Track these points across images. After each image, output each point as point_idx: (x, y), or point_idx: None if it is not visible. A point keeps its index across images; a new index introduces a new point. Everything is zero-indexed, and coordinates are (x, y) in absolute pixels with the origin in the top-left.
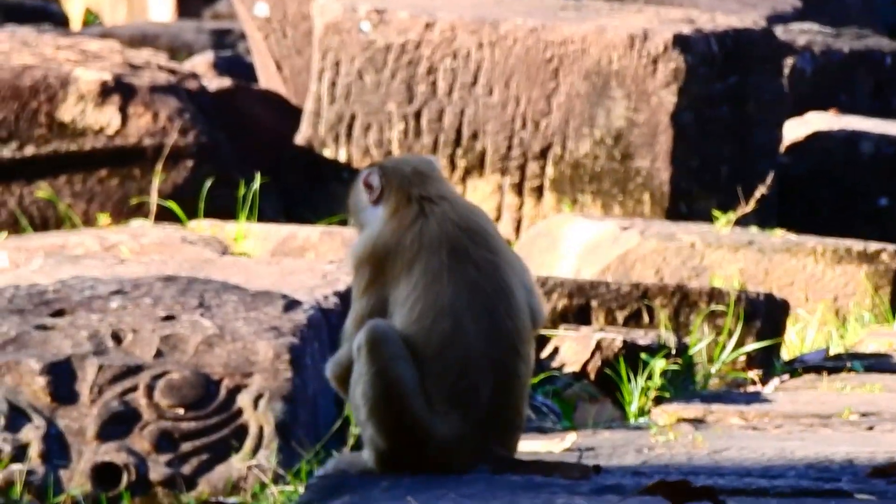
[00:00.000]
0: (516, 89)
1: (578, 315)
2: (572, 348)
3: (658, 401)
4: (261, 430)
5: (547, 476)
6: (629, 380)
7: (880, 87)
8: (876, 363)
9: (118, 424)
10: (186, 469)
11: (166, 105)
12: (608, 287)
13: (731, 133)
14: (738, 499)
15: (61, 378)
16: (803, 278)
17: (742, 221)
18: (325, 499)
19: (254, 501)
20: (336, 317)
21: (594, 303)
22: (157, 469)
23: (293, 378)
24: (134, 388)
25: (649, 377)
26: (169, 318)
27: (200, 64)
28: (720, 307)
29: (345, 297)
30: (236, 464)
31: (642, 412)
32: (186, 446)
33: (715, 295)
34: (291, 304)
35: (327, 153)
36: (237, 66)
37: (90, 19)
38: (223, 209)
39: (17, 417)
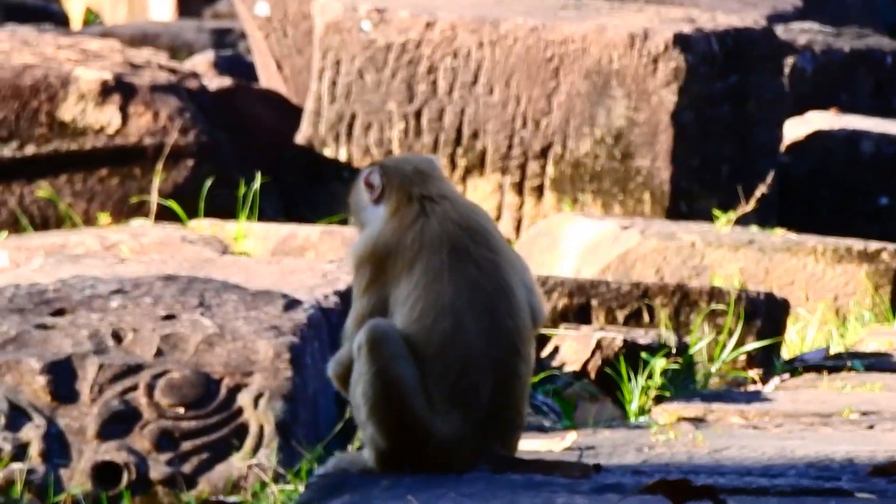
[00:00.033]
0: (517, 88)
1: (579, 314)
2: (573, 347)
3: (658, 400)
4: (261, 429)
5: (547, 475)
6: (629, 379)
7: (881, 86)
8: (876, 362)
9: (118, 423)
10: (187, 468)
11: (167, 104)
12: (608, 286)
13: (731, 132)
14: (739, 498)
15: (62, 377)
16: (804, 277)
17: (742, 221)
18: (325, 498)
19: (254, 500)
20: (336, 316)
21: (594, 302)
22: (158, 468)
23: (293, 377)
24: (134, 388)
25: (650, 376)
26: (169, 317)
27: (201, 63)
28: (720, 306)
29: (345, 297)
30: (237, 463)
31: (643, 411)
32: (187, 445)
33: (715, 294)
34: (291, 304)
35: (328, 152)
36: (238, 66)
37: (91, 19)
38: (223, 208)
39: (18, 416)
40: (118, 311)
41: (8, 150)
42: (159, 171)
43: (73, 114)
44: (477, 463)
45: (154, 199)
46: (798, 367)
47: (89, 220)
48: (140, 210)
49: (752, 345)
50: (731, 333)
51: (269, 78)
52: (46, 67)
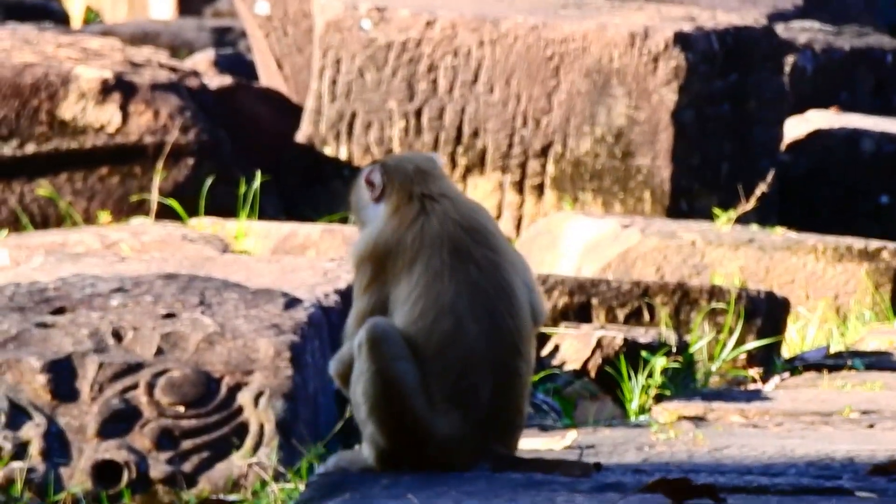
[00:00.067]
0: (517, 87)
1: (579, 313)
2: (573, 346)
3: (659, 399)
4: (261, 427)
5: (547, 474)
6: (630, 378)
7: (881, 85)
8: (876, 361)
9: (119, 422)
10: (187, 467)
11: (167, 103)
12: (609, 285)
13: (731, 131)
14: (739, 497)
15: (62, 376)
16: (804, 276)
17: (743, 219)
18: (325, 496)
19: (254, 499)
20: (337, 315)
21: (595, 301)
22: (158, 467)
23: (294, 376)
24: (134, 386)
25: (650, 375)
26: (169, 315)
27: (201, 62)
28: (721, 305)
29: (345, 295)
30: (237, 461)
31: (643, 410)
32: (187, 444)
33: (715, 293)
34: (292, 302)
35: (328, 151)
36: (238, 64)
37: (91, 17)
38: (224, 207)
39: (18, 415)
40: (118, 310)
41: (8, 149)
42: (160, 170)
43: (74, 112)
44: (477, 462)
45: (154, 197)
46: (798, 365)
47: (90, 219)
48: (140, 208)
49: (753, 343)
50: (731, 332)
51: (269, 77)
52: (47, 66)
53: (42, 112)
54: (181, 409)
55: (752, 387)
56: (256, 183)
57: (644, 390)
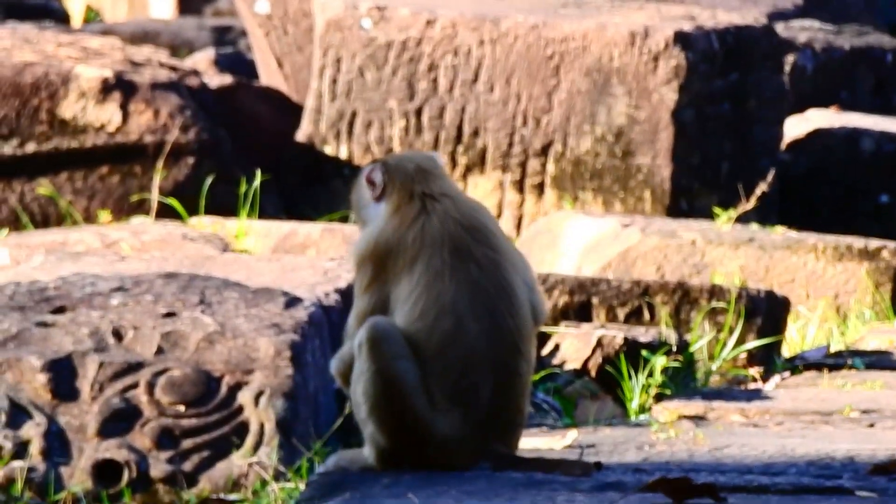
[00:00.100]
0: (517, 86)
1: (579, 312)
2: (573, 345)
3: (659, 398)
4: (262, 427)
5: (548, 473)
6: (630, 377)
7: (881, 84)
8: (877, 360)
9: (119, 421)
10: (187, 466)
11: (167, 102)
12: (609, 284)
13: (731, 130)
14: (739, 496)
15: (62, 375)
16: (804, 275)
17: (743, 218)
18: (325, 496)
19: (254, 498)
20: (337, 314)
21: (595, 300)
22: (158, 466)
23: (294, 375)
24: (135, 385)
25: (650, 374)
26: (170, 314)
27: (201, 61)
28: (721, 304)
29: (346, 294)
30: (237, 461)
31: (643, 409)
32: (187, 443)
33: (716, 292)
34: (292, 301)
35: (328, 150)
36: (238, 64)
37: (91, 16)
38: (224, 206)
39: (18, 414)
40: (119, 309)
41: (9, 148)
42: (160, 169)
43: (74, 111)
44: (478, 461)
45: (155, 196)
46: (798, 365)
47: (90, 218)
48: (141, 208)
49: (753, 343)
50: (731, 331)
51: (269, 76)
52: (47, 65)
53: (42, 111)
54: (181, 408)
55: (752, 386)
56: (257, 182)
57: (644, 389)
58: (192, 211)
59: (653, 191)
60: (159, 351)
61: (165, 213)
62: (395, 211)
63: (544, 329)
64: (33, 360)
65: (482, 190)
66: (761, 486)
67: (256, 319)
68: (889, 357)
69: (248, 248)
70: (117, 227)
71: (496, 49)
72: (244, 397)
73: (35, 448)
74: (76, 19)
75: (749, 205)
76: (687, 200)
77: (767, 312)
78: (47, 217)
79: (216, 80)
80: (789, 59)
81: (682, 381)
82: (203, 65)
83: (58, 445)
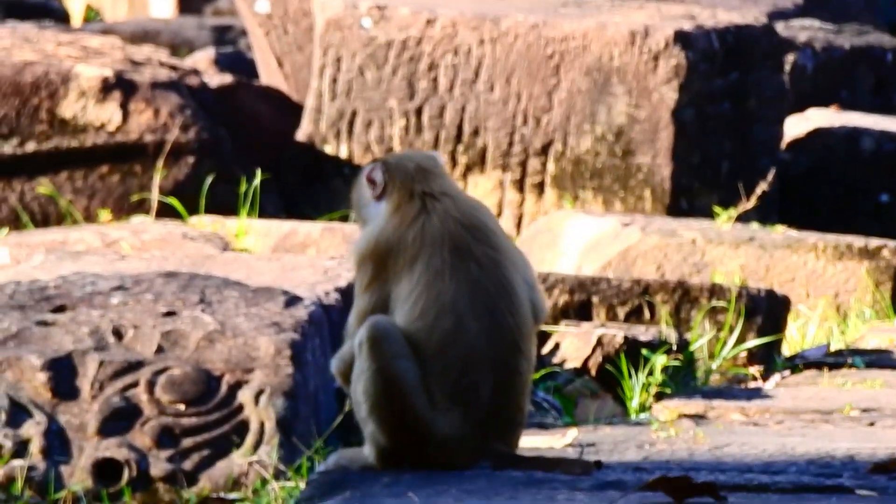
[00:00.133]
0: (517, 86)
1: (579, 311)
2: (573, 344)
3: (659, 397)
4: (262, 425)
5: (548, 472)
6: (630, 376)
7: (881, 83)
8: (877, 359)
9: (119, 420)
10: (187, 465)
11: (167, 101)
12: (609, 283)
13: (731, 129)
14: (739, 495)
15: (62, 374)
16: (804, 274)
17: (743, 218)
18: (325, 495)
19: (255, 497)
20: (337, 313)
21: (595, 299)
22: (158, 465)
23: (294, 374)
24: (135, 384)
25: (650, 373)
26: (170, 313)
27: (201, 60)
28: (721, 303)
29: (346, 293)
30: (237, 460)
31: (643, 408)
32: (187, 442)
33: (716, 291)
34: (292, 300)
35: (328, 149)
36: (238, 63)
37: (91, 16)
38: (224, 205)
39: (18, 413)
40: (119, 308)
41: (9, 147)
42: (160, 168)
43: (74, 111)
44: (478, 460)
45: (155, 195)
46: (799, 363)
47: (90, 217)
48: (141, 207)
49: (753, 342)
50: (731, 330)
51: (269, 75)
52: (47, 64)
53: (42, 110)
54: (182, 407)
55: (752, 385)
56: (257, 181)
57: (644, 388)
58: (193, 210)
59: (653, 190)
60: (159, 350)
61: (165, 212)
62: (395, 210)
63: (544, 328)
64: (33, 358)
65: (482, 189)
66: (761, 485)
67: (256, 318)
68: (889, 356)
69: (249, 247)
70: (117, 226)
71: (496, 48)
72: (244, 396)
73: (35, 447)
74: (76, 18)
75: (749, 204)
76: (687, 200)
77: (767, 311)
78: (47, 216)
79: (216, 79)
80: (789, 58)
81: (683, 380)
82: (203, 64)
83: (58, 444)
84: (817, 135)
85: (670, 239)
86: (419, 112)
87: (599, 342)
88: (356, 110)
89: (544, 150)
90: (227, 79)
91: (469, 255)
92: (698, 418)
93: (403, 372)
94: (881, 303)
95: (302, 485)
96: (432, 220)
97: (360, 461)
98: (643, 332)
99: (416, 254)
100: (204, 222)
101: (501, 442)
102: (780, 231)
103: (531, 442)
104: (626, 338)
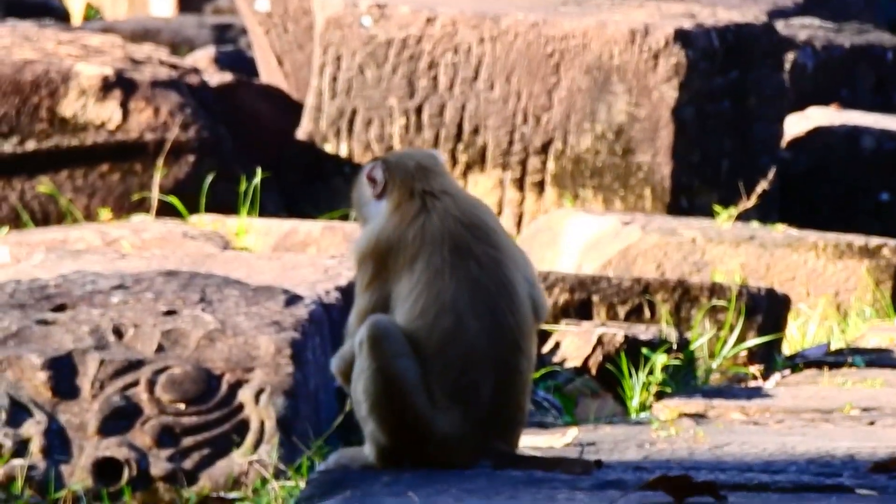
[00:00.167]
0: (517, 84)
1: (580, 310)
2: (574, 343)
3: (659, 396)
4: (262, 425)
5: (548, 471)
6: (630, 375)
7: (881, 82)
8: (877, 358)
9: (119, 419)
10: (187, 464)
11: (167, 100)
12: (609, 282)
13: (732, 128)
14: (740, 494)
15: (62, 373)
16: (804, 273)
17: (743, 216)
18: (326, 494)
19: (255, 496)
20: (338, 312)
21: (595, 298)
22: (159, 464)
23: (294, 373)
24: (135, 383)
25: (650, 372)
26: (170, 312)
27: (202, 59)
28: (721, 302)
29: (346, 292)
30: (237, 459)
31: (643, 407)
32: (188, 441)
33: (716, 290)
34: (293, 299)
35: (328, 148)
36: (238, 61)
37: (91, 14)
38: (224, 204)
39: (19, 412)
40: (119, 307)
41: (9, 146)
42: (160, 167)
43: (74, 109)
44: (478, 459)
45: (155, 194)
46: (799, 362)
47: (90, 216)
48: (141, 206)
49: (753, 341)
50: (731, 329)
51: (269, 73)
52: (47, 63)
53: (42, 109)
54: (182, 406)
55: (752, 384)
56: (257, 180)
57: (645, 387)
58: (193, 209)
59: (653, 188)
60: (160, 349)
61: (166, 211)
62: (395, 208)
63: (545, 327)
64: (34, 357)
65: (482, 188)
66: (761, 484)
67: (257, 317)
68: (889, 355)
69: (249, 245)
70: (118, 224)
71: (496, 47)
72: (244, 395)
73: (35, 446)
74: (76, 17)
75: (749, 203)
76: (687, 198)
77: (768, 310)
78: (48, 215)
79: (216, 77)
80: (789, 56)
81: (683, 379)
82: (203, 63)
83: (58, 443)
84: (817, 133)
85: (670, 238)
86: (419, 110)
87: (600, 341)
88: (356, 109)
89: (544, 149)
90: (228, 77)
91: (469, 254)
92: (698, 417)
93: (404, 371)
94: (881, 302)
95: (302, 484)
96: (432, 218)
97: (360, 460)
98: (643, 331)
99: (417, 252)
100: (204, 221)
101: (502, 441)
102: (781, 230)
103: (531, 441)
104: (626, 337)
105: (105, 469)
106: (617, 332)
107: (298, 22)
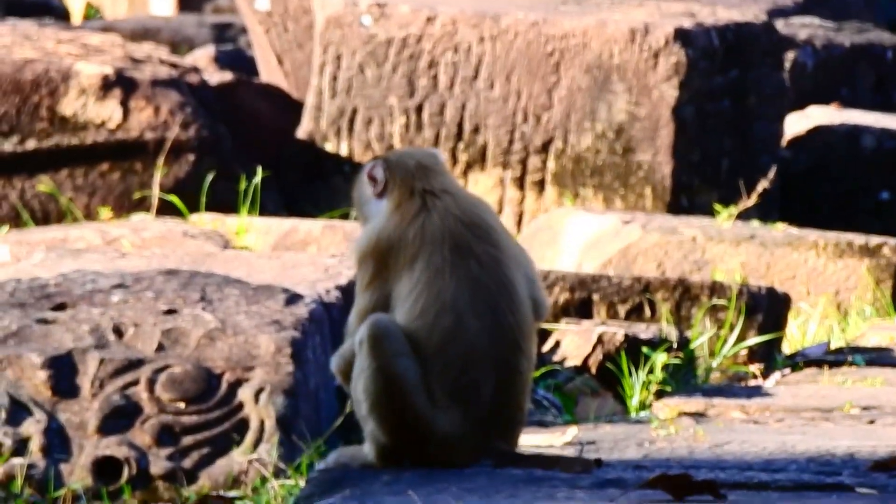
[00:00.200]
0: (517, 83)
1: (580, 309)
2: (574, 342)
3: (659, 395)
4: (262, 424)
5: (548, 470)
6: (630, 374)
7: (881, 81)
8: (877, 357)
9: (119, 418)
10: (187, 463)
11: (168, 99)
12: (610, 281)
13: (732, 127)
14: (740, 492)
15: (62, 372)
16: (805, 272)
17: (743, 215)
18: (325, 493)
19: (254, 495)
20: (338, 311)
21: (596, 296)
22: (158, 463)
23: (294, 372)
24: (135, 382)
25: (650, 371)
26: (170, 311)
27: (202, 58)
28: (722, 301)
29: (346, 291)
30: (237, 458)
31: (643, 406)
32: (187, 440)
33: (716, 289)
34: (293, 298)
35: (329, 147)
36: (238, 60)
37: (91, 13)
38: (224, 203)
39: (19, 411)
40: (119, 306)
41: (9, 145)
42: (160, 166)
43: (74, 108)
44: (478, 458)
45: (155, 193)
46: (799, 361)
47: (90, 215)
48: (141, 204)
49: (754, 339)
50: (732, 328)
51: (269, 73)
52: (47, 62)
53: (43, 108)
54: (182, 405)
55: (752, 383)
56: (257, 179)
57: (645, 386)
58: (193, 208)
59: (653, 187)
60: (160, 348)
61: (166, 209)
62: (396, 207)
63: (545, 326)
64: (34, 356)
65: (483, 187)
66: (761, 483)
67: (257, 316)
68: (889, 354)
69: (249, 245)
70: (118, 223)
71: (496, 46)
72: (244, 394)
73: (35, 445)
74: (76, 16)
75: (750, 201)
76: (687, 197)
77: (768, 309)
78: (48, 214)
79: (216, 76)
80: (789, 55)
81: (683, 378)
82: (203, 62)
83: (58, 442)
84: (818, 132)
85: (671, 236)
86: (419, 110)
87: (600, 340)
88: (356, 108)
89: (545, 148)
90: (228, 76)
91: (469, 253)
92: (698, 416)
93: (404, 370)
94: (881, 301)
95: (302, 483)
96: (433, 217)
97: (360, 459)
98: (644, 330)
99: (417, 252)
100: (204, 220)
101: (502, 440)
102: (781, 229)
103: (531, 440)
104: (626, 336)
105: (105, 468)
106: (617, 331)
107: (298, 21)
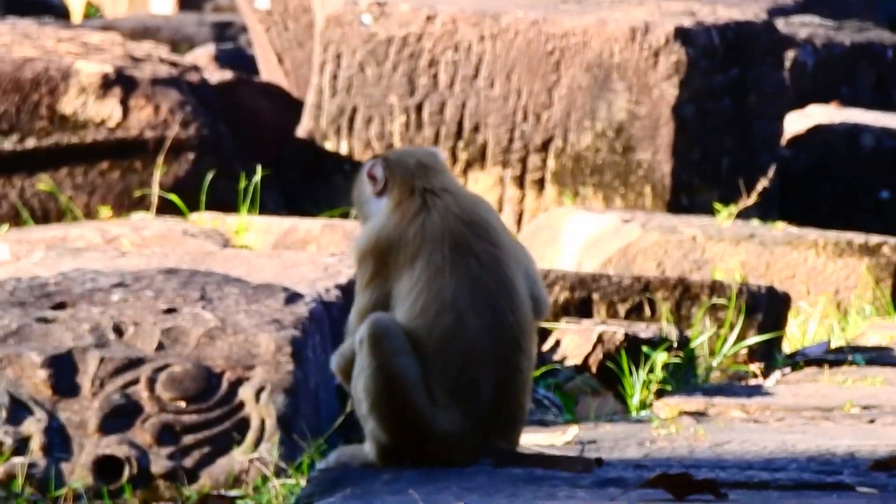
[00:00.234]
0: (518, 82)
1: (580, 308)
2: (574, 341)
3: (660, 394)
4: (262, 423)
5: (549, 469)
6: (631, 373)
7: (881, 80)
8: (877, 356)
9: (120, 417)
10: (188, 462)
11: (168, 98)
12: (610, 280)
13: (732, 126)
14: (740, 492)
15: (63, 371)
16: (805, 271)
17: (743, 214)
18: (326, 492)
19: (255, 494)
20: (338, 309)
21: (596, 296)
22: (159, 462)
23: (295, 371)
24: (135, 381)
25: (651, 370)
26: (170, 310)
27: (202, 56)
28: (722, 300)
29: (346, 290)
30: (238, 457)
31: (644, 405)
32: (188, 439)
33: (716, 288)
34: (293, 297)
35: (329, 146)
36: (238, 59)
37: (91, 12)
38: (224, 202)
39: (19, 410)
40: (119, 305)
41: (9, 144)
42: (160, 165)
43: (74, 107)
44: (479, 457)
45: (155, 192)
46: (799, 360)
47: (90, 214)
48: (141, 203)
49: (754, 339)
50: (732, 327)
51: (269, 71)
52: (47, 60)
53: (42, 106)
54: (182, 404)
55: (752, 382)
56: (257, 178)
57: (645, 385)
58: (193, 206)
59: (653, 186)
60: (160, 347)
61: (166, 208)
62: (396, 206)
63: (545, 325)
64: (34, 355)
65: (483, 185)
66: (762, 482)
67: (257, 315)
68: (889, 353)
69: (249, 243)
70: (118, 222)
71: (496, 45)
72: (245, 393)
73: (35, 444)
74: (76, 15)
75: (750, 200)
76: (687, 196)
77: (768, 308)
78: (47, 213)
79: (216, 75)
80: (790, 54)
81: (683, 377)
82: (203, 60)
83: (58, 441)
84: (818, 131)
85: (671, 235)
86: (419, 108)
87: (600, 339)
88: (356, 107)
89: (545, 147)
90: (228, 75)
91: (469, 252)
92: (699, 415)
93: (404, 369)
94: (881, 300)
95: (303, 482)
96: (433, 216)
97: (360, 458)
98: (644, 329)
99: (417, 250)
100: (204, 219)
101: (502, 439)
102: (781, 228)
103: (532, 439)
104: (626, 335)
105: (105, 467)
106: (617, 330)
107: (298, 20)
